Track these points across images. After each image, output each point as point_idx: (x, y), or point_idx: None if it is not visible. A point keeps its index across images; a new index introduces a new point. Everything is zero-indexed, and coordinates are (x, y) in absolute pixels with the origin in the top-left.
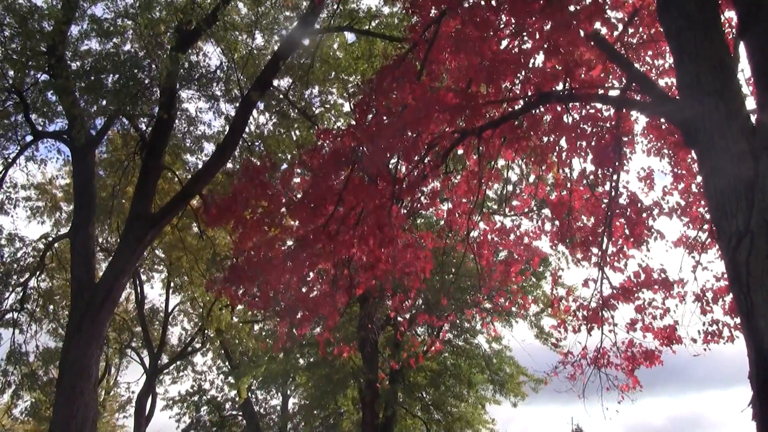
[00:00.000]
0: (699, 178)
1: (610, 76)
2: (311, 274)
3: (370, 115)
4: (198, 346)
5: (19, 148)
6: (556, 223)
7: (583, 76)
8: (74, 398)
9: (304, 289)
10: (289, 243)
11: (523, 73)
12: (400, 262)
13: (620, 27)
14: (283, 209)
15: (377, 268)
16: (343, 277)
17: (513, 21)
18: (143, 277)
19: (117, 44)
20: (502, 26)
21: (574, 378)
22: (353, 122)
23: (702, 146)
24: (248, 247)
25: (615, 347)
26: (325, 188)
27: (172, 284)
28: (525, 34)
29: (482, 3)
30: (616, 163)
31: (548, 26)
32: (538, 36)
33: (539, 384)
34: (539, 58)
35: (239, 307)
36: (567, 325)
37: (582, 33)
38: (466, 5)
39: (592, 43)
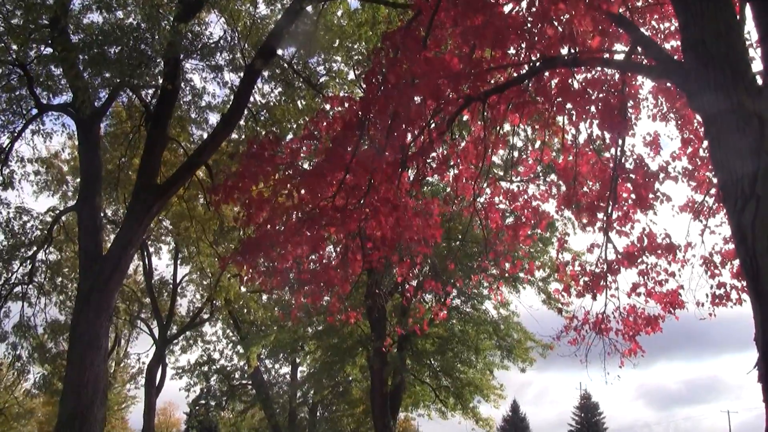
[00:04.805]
0: (706, 143)
1: (615, 40)
2: (322, 245)
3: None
4: (207, 316)
5: (24, 122)
6: (563, 188)
7: (587, 41)
8: (84, 369)
9: (316, 261)
10: (299, 215)
11: (527, 37)
12: (408, 233)
13: None
14: (293, 180)
15: (387, 243)
16: (354, 248)
17: None
18: (151, 249)
19: (119, 17)
20: None
21: (576, 343)
22: (359, 92)
23: (707, 109)
24: (258, 222)
25: (617, 312)
26: (337, 160)
27: (179, 255)
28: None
29: None
30: (622, 128)
31: None
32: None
33: (546, 350)
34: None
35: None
36: (571, 290)
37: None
38: None
39: (595, 13)
